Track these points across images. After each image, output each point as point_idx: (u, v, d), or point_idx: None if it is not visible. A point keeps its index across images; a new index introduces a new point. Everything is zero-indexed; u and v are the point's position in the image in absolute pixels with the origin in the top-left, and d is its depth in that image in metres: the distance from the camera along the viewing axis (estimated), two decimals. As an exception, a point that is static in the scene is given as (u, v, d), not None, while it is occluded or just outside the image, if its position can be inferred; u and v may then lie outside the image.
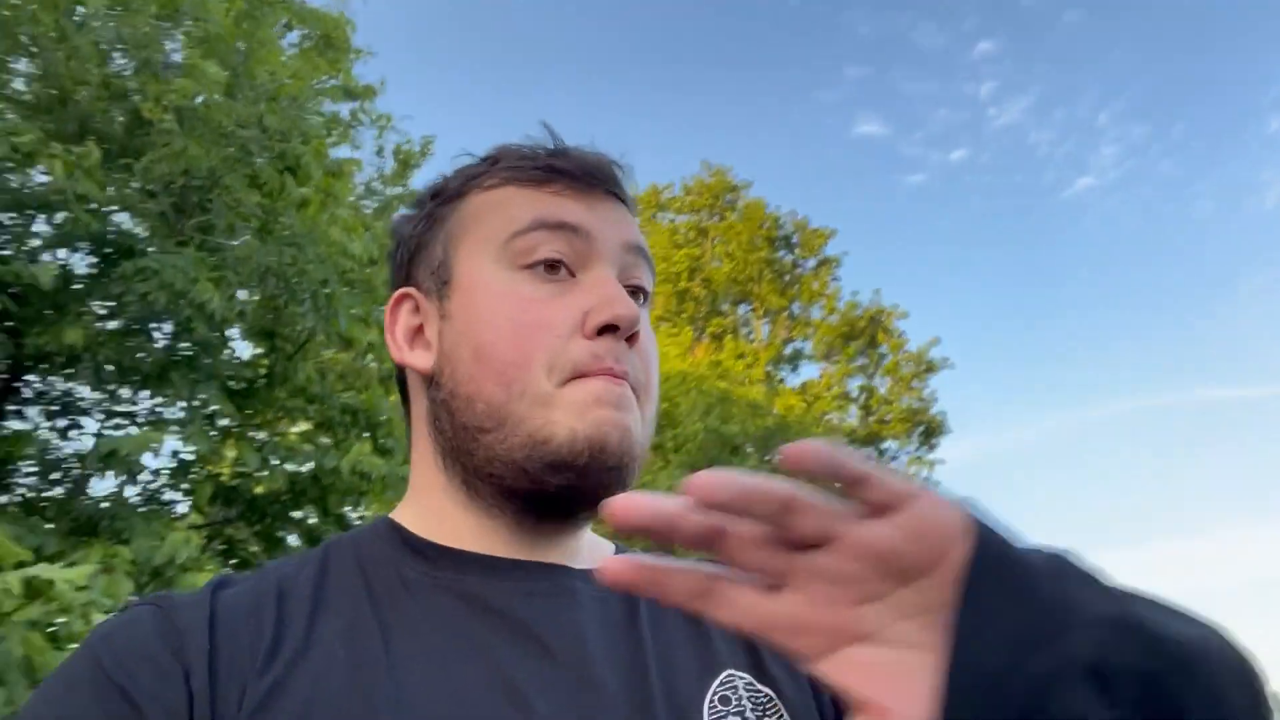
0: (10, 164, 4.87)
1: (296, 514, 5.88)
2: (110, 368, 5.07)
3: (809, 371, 19.79)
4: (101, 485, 5.28)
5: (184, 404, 5.16)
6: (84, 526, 4.71)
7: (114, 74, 5.30)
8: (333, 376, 6.01)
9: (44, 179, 4.77)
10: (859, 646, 0.41)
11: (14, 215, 5.03)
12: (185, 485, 5.54)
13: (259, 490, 5.67)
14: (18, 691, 2.63)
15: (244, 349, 6.02)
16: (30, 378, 5.35)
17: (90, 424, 5.54)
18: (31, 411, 5.43)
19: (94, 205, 4.95)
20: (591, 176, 0.71)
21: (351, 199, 6.39)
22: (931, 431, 18.98)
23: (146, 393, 5.48)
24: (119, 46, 5.31)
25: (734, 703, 0.61)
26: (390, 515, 0.72)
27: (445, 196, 0.74)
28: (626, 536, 0.41)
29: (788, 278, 20.16)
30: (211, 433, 5.41)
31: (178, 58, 5.29)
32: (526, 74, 29.03)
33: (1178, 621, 0.43)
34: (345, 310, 5.46)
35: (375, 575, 0.65)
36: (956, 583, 0.40)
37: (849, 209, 29.36)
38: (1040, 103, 25.51)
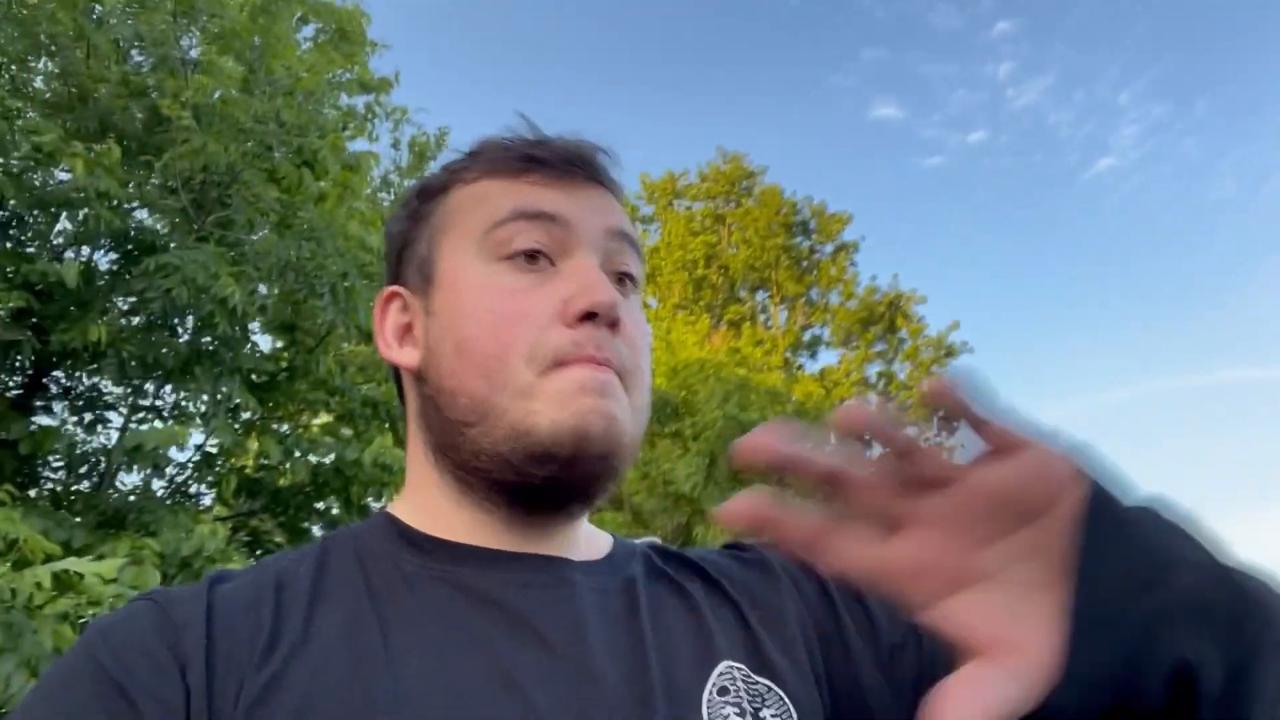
0: (32, 163, 4.93)
1: (320, 505, 5.94)
2: (134, 363, 5.13)
3: (827, 358, 19.74)
4: (128, 479, 5.36)
5: (207, 398, 5.22)
6: (111, 519, 4.78)
7: (132, 71, 5.35)
8: (353, 369, 6.06)
9: (65, 177, 4.83)
10: (978, 588, 0.43)
11: (37, 214, 5.10)
12: (210, 478, 5.61)
13: (282, 482, 5.74)
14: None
15: (265, 343, 6.09)
16: (56, 374, 5.43)
17: (115, 418, 5.63)
18: (58, 407, 5.53)
19: (115, 202, 5.00)
20: (570, 164, 0.71)
21: (369, 192, 6.42)
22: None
23: (170, 387, 5.55)
24: (137, 44, 5.35)
25: (732, 693, 0.61)
26: (389, 509, 0.72)
27: (429, 193, 0.74)
28: (768, 478, 0.43)
29: (805, 264, 20.08)
30: (235, 426, 5.47)
31: (195, 54, 5.32)
32: (540, 62, 29.01)
33: (1248, 570, 0.46)
34: (364, 303, 5.49)
35: (374, 569, 0.64)
36: (1072, 525, 0.42)
37: (866, 193, 29.21)
38: (1060, 83, 25.22)
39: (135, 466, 5.04)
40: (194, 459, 5.54)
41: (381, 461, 5.24)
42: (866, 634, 0.68)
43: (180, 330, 5.42)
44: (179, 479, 5.60)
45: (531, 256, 0.67)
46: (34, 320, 4.88)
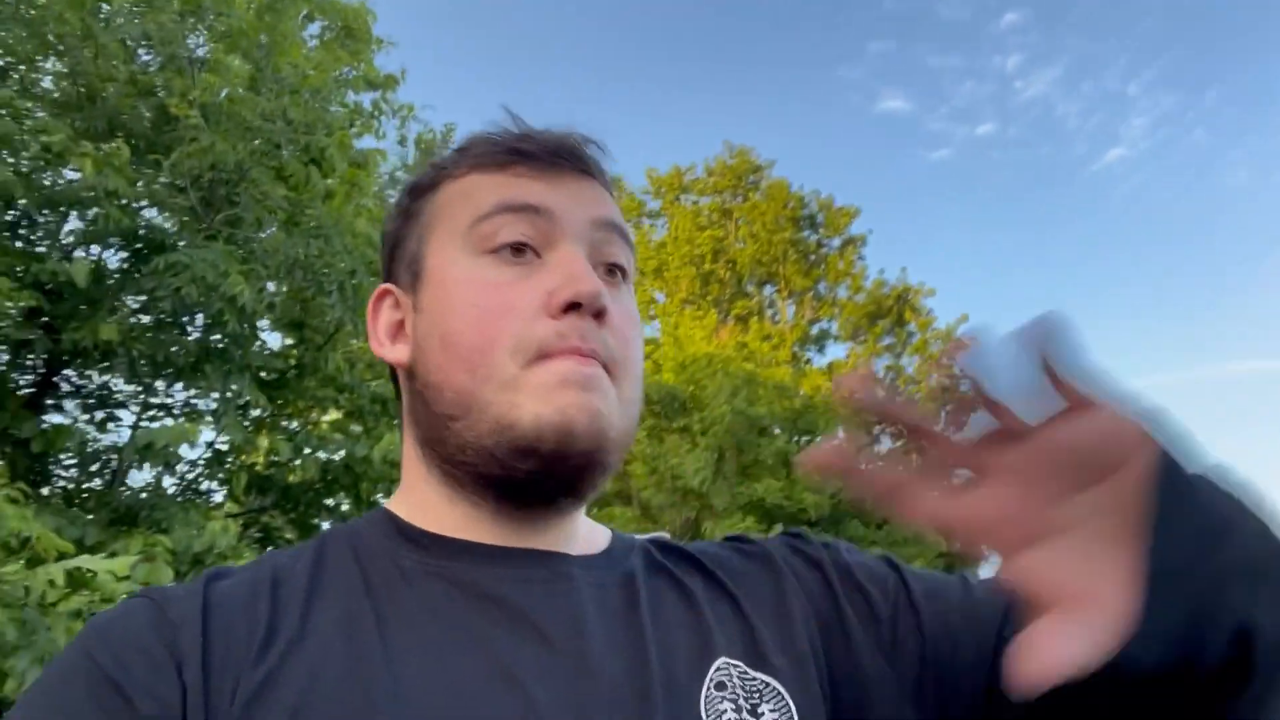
0: (42, 163, 4.95)
1: (330, 502, 5.96)
2: (145, 361, 5.16)
3: (835, 352, 19.71)
4: (139, 476, 5.39)
5: (217, 395, 5.24)
6: (124, 517, 4.81)
7: (140, 70, 5.37)
8: (361, 366, 6.08)
9: (75, 176, 4.85)
10: (1053, 542, 0.45)
11: (47, 213, 5.12)
12: (221, 475, 5.64)
13: (293, 479, 5.76)
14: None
15: (274, 340, 6.10)
16: (68, 372, 5.46)
17: (127, 416, 5.66)
18: (70, 405, 5.55)
19: (124, 201, 5.02)
20: (555, 156, 0.70)
21: (376, 189, 6.42)
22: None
23: (180, 385, 5.58)
24: (144, 43, 5.37)
25: (729, 688, 0.60)
26: (387, 505, 0.71)
27: (419, 191, 0.74)
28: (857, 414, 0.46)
29: (813, 257, 20.04)
30: (245, 423, 5.49)
31: (202, 53, 5.34)
32: (545, 56, 28.99)
33: None
34: (372, 300, 5.49)
35: (371, 565, 0.64)
36: (1143, 486, 0.45)
37: (874, 187, 29.12)
38: (1068, 73, 25.11)
39: (147, 464, 5.07)
40: (205, 456, 5.57)
41: (391, 458, 5.26)
42: (868, 623, 0.67)
43: (190, 328, 5.45)
44: (190, 476, 5.63)
45: (517, 249, 0.67)
46: (45, 319, 4.90)
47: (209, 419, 5.37)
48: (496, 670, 0.57)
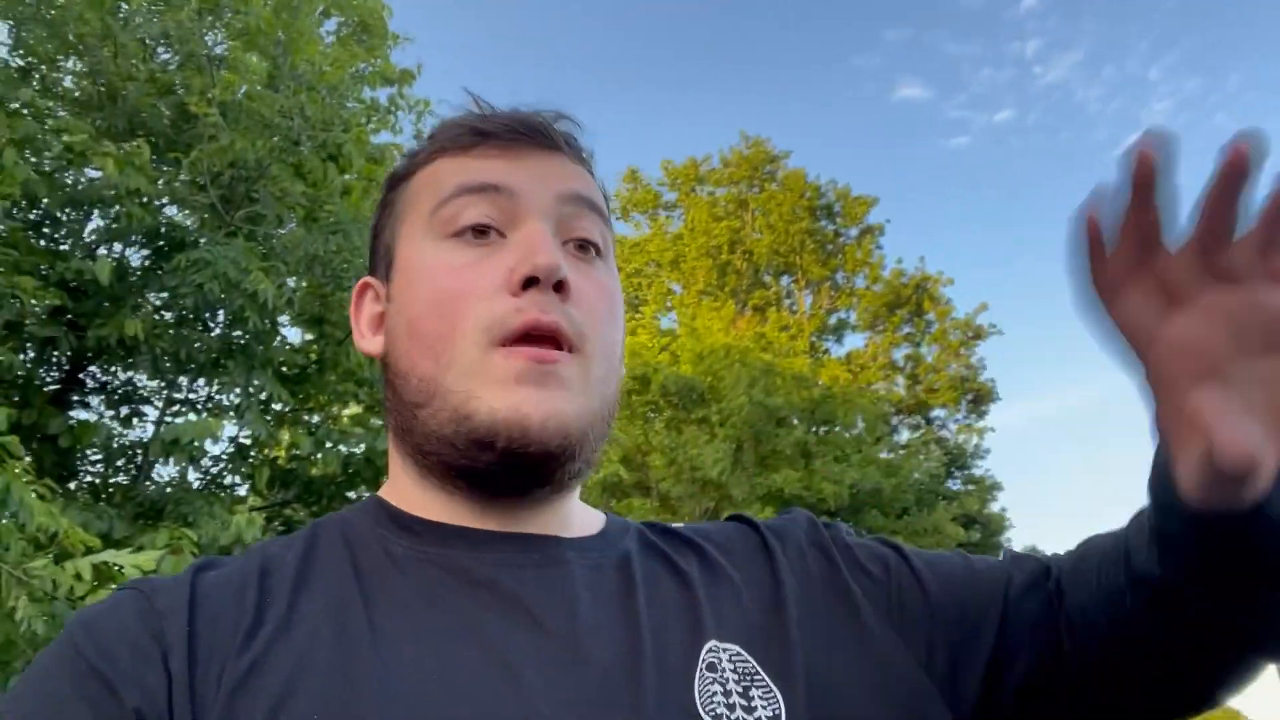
0: (64, 162, 5.00)
1: (351, 495, 6.01)
2: (168, 358, 5.21)
3: (854, 341, 19.65)
4: (164, 471, 5.45)
5: (239, 390, 5.29)
6: (149, 511, 4.87)
7: (159, 69, 5.41)
8: (381, 360, 6.10)
9: (96, 175, 4.90)
10: (1219, 386, 0.46)
11: (70, 212, 5.18)
12: (244, 469, 5.69)
13: (315, 472, 5.81)
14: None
15: (294, 335, 6.15)
16: (93, 369, 5.53)
17: (151, 412, 5.73)
18: (95, 401, 5.62)
19: (145, 199, 5.07)
20: (516, 133, 0.69)
21: (393, 184, 6.44)
22: (981, 399, 18.74)
23: (203, 380, 5.64)
24: (163, 42, 5.41)
25: (719, 669, 0.60)
26: (379, 494, 0.72)
27: (394, 181, 0.74)
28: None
29: (830, 247, 19.96)
30: (267, 418, 5.54)
31: (220, 51, 5.37)
32: (563, 48, 28.98)
33: None
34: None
35: (362, 552, 0.63)
36: None
37: (892, 176, 28.96)
38: (1088, 59, 24.85)
39: (171, 459, 5.13)
40: (228, 451, 5.63)
41: (411, 451, 5.28)
42: (875, 597, 0.68)
43: (212, 324, 5.50)
44: (214, 470, 5.69)
45: (479, 231, 0.66)
46: (69, 317, 4.96)
47: (232, 414, 5.42)
48: (488, 656, 0.56)
